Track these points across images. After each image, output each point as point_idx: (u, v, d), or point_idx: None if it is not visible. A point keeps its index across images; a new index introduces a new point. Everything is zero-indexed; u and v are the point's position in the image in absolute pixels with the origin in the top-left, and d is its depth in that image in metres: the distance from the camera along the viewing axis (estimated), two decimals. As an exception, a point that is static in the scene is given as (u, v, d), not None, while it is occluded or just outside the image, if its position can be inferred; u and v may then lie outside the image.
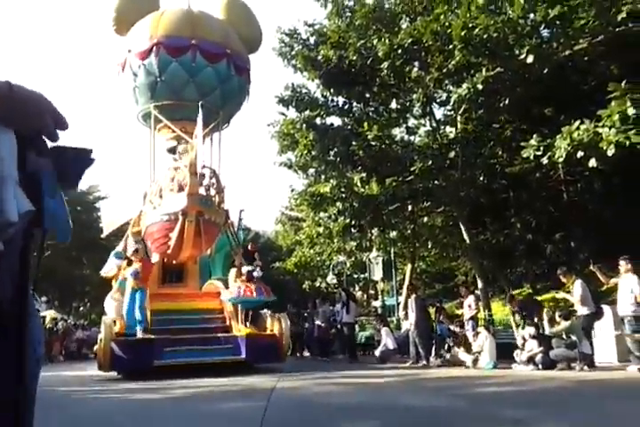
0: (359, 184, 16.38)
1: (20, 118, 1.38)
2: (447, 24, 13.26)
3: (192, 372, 9.50)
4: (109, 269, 12.84)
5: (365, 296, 28.28)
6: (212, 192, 13.57)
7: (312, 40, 17.21)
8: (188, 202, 12.06)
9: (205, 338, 10.97)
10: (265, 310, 12.11)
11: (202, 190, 12.93)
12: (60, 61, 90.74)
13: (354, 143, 15.52)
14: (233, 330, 11.36)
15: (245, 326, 11.16)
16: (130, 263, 11.52)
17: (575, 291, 9.74)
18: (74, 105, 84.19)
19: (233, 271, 11.97)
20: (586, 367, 9.01)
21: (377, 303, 24.25)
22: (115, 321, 10.67)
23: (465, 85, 12.92)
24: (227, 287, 11.99)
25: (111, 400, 6.84)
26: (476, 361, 10.63)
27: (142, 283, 11.02)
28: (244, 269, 11.64)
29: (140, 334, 10.29)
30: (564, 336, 9.84)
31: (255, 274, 11.55)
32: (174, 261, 13.52)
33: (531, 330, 9.99)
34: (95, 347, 10.07)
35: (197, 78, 14.10)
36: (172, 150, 14.91)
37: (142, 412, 5.23)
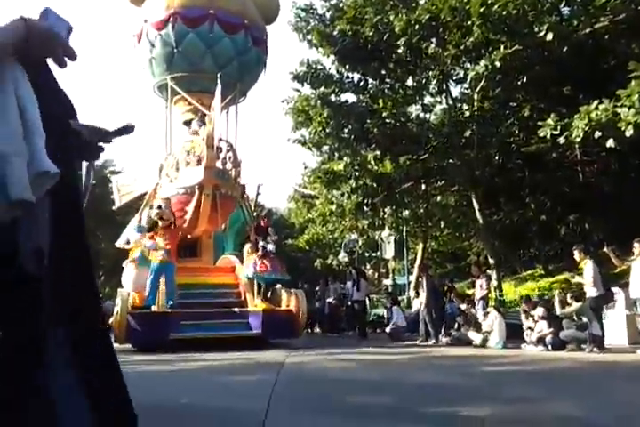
0: (373, 162, 16.30)
1: (36, 49, 1.49)
2: (465, 0, 13.03)
3: (206, 346, 9.46)
4: (125, 240, 12.53)
5: (377, 275, 28.34)
6: (229, 166, 13.48)
7: (328, 15, 17.00)
8: (204, 175, 11.96)
9: (221, 312, 10.88)
10: (279, 286, 12.04)
11: (218, 164, 12.83)
12: (76, 32, 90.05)
13: (368, 121, 15.42)
14: (249, 305, 11.27)
15: (261, 301, 11.09)
16: (152, 236, 11.02)
17: (586, 272, 9.68)
18: (89, 77, 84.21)
19: (247, 246, 11.86)
20: (596, 349, 8.98)
21: (388, 282, 24.33)
22: (129, 294, 10.54)
23: (482, 62, 12.74)
24: (242, 262, 11.91)
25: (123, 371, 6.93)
26: (485, 341, 10.65)
27: (171, 257, 10.76)
28: (260, 244, 11.45)
29: (165, 308, 10.23)
30: (575, 318, 9.82)
31: (270, 247, 11.43)
32: (189, 236, 13.32)
33: (540, 311, 9.97)
34: (111, 319, 9.92)
35: (215, 49, 13.91)
36: (188, 123, 14.71)
37: (148, 383, 5.32)
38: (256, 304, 11.05)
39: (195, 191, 12.23)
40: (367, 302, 16.19)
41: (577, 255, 10.05)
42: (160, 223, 10.90)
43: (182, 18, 13.65)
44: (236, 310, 11.15)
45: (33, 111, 1.45)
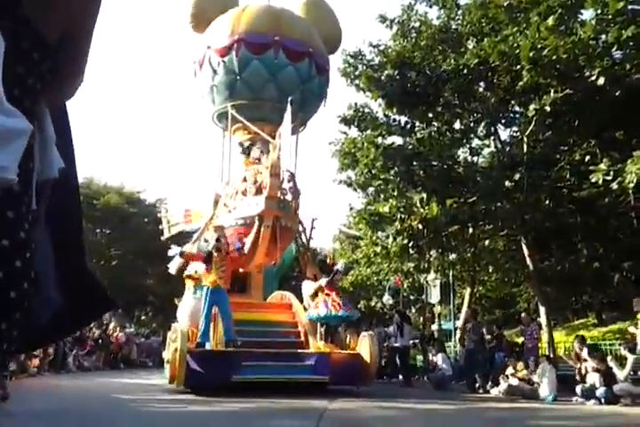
0: (419, 204, 16.16)
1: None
2: (515, 45, 13.04)
3: (263, 389, 8.79)
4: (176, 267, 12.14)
5: (422, 319, 27.76)
6: (289, 197, 12.86)
7: (376, 60, 17.25)
8: (266, 205, 11.37)
9: (285, 354, 9.93)
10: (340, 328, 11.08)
11: (279, 194, 12.21)
12: (130, 59, 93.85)
13: (414, 163, 15.37)
14: (310, 346, 10.22)
15: (325, 343, 10.17)
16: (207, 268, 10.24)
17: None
18: (145, 104, 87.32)
19: (308, 284, 11.11)
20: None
21: (434, 327, 23.76)
22: (189, 329, 9.64)
23: (532, 107, 12.63)
24: (300, 301, 11.31)
25: (171, 411, 6.87)
26: (534, 392, 10.21)
27: (223, 280, 9.78)
28: (323, 281, 10.63)
29: (222, 347, 9.40)
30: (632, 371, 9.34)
31: (339, 268, 10.80)
32: (242, 269, 12.43)
33: (593, 363, 9.53)
34: (164, 356, 9.56)
35: (278, 77, 13.59)
36: (246, 151, 14.25)
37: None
38: (319, 346, 10.04)
39: (254, 222, 11.58)
40: (412, 346, 15.80)
41: (636, 306, 9.62)
42: (216, 255, 10.13)
43: (247, 44, 13.44)
44: (300, 351, 10.10)
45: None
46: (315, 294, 10.68)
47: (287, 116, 10.77)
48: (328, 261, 11.77)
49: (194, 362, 8.85)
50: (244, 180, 12.47)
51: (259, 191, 11.93)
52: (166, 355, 9.72)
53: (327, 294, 10.29)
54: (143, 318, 41.18)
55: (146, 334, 27.17)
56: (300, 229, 13.94)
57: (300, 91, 13.74)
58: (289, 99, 11.04)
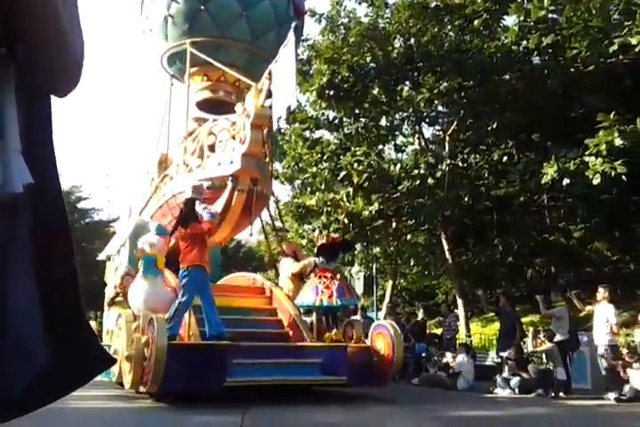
0: (345, 199, 16.43)
1: None
2: (440, 46, 13.46)
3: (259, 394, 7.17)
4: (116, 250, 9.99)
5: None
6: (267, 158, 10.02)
7: (305, 55, 17.31)
8: (242, 163, 8.51)
9: (283, 348, 7.84)
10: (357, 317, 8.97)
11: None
12: None
13: (342, 158, 15.61)
14: (306, 338, 7.86)
15: (335, 332, 7.97)
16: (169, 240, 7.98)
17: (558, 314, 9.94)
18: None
19: (288, 262, 9.24)
20: (562, 394, 9.08)
21: (356, 317, 24.19)
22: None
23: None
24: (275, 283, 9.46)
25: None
26: (454, 382, 10.64)
27: (204, 258, 7.35)
28: (311, 259, 8.75)
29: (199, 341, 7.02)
30: (544, 359, 9.93)
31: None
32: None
33: (510, 352, 10.05)
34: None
35: (252, 12, 10.76)
36: (202, 105, 11.71)
37: None
38: (331, 336, 7.78)
39: (224, 185, 8.87)
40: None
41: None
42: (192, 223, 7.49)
43: (216, -34, 10.41)
44: (303, 344, 7.77)
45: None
46: (299, 276, 9.02)
47: (290, 46, 7.83)
48: (327, 240, 8.97)
49: (174, 360, 6.41)
50: (210, 133, 9.58)
51: (234, 147, 8.89)
52: (120, 349, 7.35)
53: (321, 277, 8.24)
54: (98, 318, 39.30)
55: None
56: (272, 199, 11.86)
57: (276, 33, 10.93)
58: (292, 23, 8.34)
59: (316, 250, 8.84)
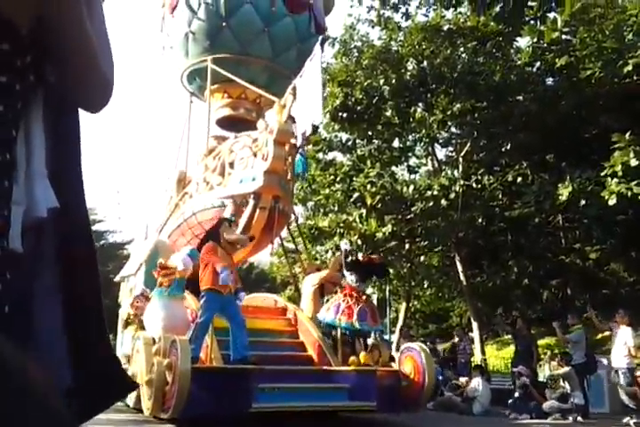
0: (358, 220, 16.40)
1: None
2: (453, 68, 13.53)
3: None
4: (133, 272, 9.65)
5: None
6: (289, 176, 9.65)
7: (319, 77, 17.46)
8: (265, 180, 8.24)
9: (310, 371, 7.56)
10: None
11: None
12: None
13: (355, 179, 15.63)
14: (331, 363, 7.55)
15: (364, 355, 7.58)
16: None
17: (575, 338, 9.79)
18: None
19: (313, 275, 8.86)
20: (580, 418, 8.88)
21: (369, 341, 23.94)
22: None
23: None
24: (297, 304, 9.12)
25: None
26: (469, 406, 10.45)
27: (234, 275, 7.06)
28: (348, 278, 8.05)
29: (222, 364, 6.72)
30: (561, 383, 9.74)
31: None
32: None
33: (525, 379, 9.88)
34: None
35: (273, 29, 10.70)
36: (222, 122, 11.65)
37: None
38: (359, 359, 7.42)
39: (245, 202, 8.82)
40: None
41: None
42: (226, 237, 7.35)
43: (239, -17, 10.42)
44: (329, 368, 7.50)
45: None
46: (320, 290, 8.68)
47: (316, 60, 7.49)
48: (362, 258, 8.46)
49: (198, 385, 6.16)
50: (231, 151, 9.47)
51: (256, 164, 8.64)
52: (138, 373, 7.01)
53: (346, 295, 7.84)
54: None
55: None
56: (293, 217, 11.65)
57: (297, 50, 10.90)
58: (319, 37, 8.30)
59: (347, 264, 8.13)
